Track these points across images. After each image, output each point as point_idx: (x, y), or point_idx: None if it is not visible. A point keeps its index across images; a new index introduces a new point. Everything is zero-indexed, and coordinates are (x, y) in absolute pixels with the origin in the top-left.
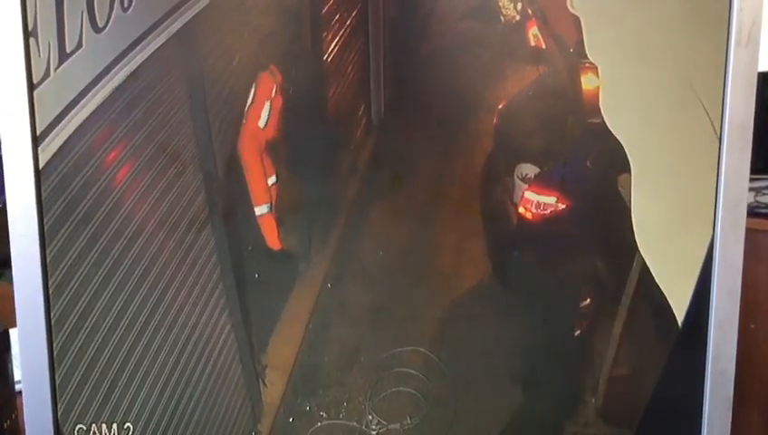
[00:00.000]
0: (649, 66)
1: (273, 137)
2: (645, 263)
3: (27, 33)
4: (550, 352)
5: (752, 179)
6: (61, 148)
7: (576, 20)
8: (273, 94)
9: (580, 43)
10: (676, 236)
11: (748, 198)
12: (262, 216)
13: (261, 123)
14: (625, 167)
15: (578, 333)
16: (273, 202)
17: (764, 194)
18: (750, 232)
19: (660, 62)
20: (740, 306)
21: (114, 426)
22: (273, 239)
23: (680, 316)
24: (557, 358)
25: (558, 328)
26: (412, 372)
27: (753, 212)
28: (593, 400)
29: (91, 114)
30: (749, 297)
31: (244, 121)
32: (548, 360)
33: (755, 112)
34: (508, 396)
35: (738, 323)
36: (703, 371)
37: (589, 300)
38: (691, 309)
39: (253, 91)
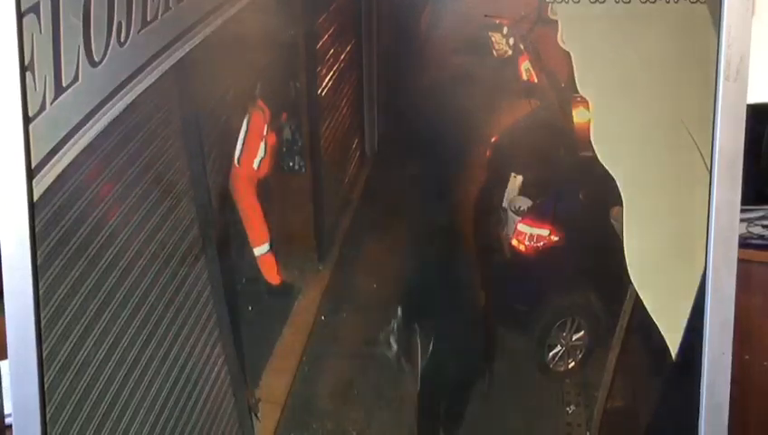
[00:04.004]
0: (640, 100)
1: (266, 174)
2: (638, 295)
3: (24, 67)
4: (543, 384)
5: (744, 210)
6: (55, 181)
7: (567, 55)
8: (265, 133)
9: (572, 77)
10: (669, 269)
11: (740, 228)
12: (262, 255)
13: (255, 165)
14: (617, 199)
15: (572, 365)
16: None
17: (756, 225)
18: (743, 263)
19: (651, 96)
20: (734, 338)
21: None
22: (272, 275)
23: (674, 349)
24: (552, 389)
25: (550, 360)
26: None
27: (745, 243)
28: (588, 433)
29: (86, 148)
30: (743, 328)
31: (237, 165)
32: (542, 391)
33: (746, 144)
34: (504, 424)
35: (733, 354)
36: (698, 404)
37: (582, 332)
38: (685, 342)
39: (244, 132)
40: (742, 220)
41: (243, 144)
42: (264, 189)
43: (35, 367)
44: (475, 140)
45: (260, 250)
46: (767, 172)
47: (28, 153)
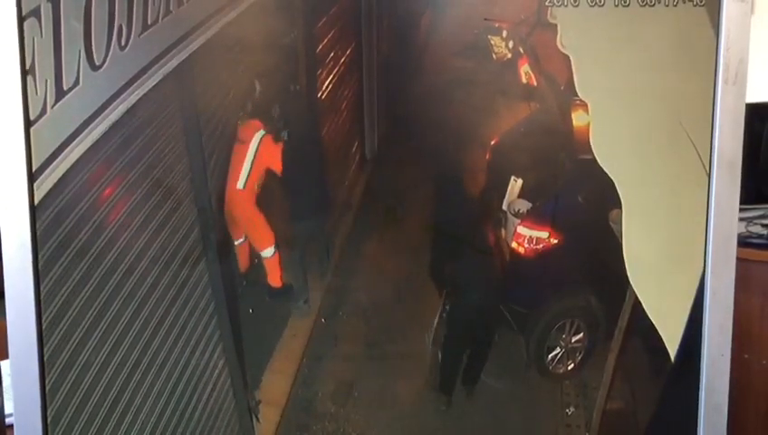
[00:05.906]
0: (639, 104)
1: (266, 182)
2: (637, 297)
3: (25, 71)
4: (543, 385)
5: (743, 209)
6: (56, 184)
7: (566, 58)
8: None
9: (571, 80)
10: (668, 271)
11: (739, 227)
12: (268, 258)
13: (258, 185)
14: (616, 202)
15: (571, 367)
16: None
17: (756, 223)
18: (742, 262)
19: (650, 99)
20: (733, 337)
21: None
22: (276, 278)
23: (673, 351)
24: (551, 391)
25: (550, 361)
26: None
27: (744, 242)
28: (587, 434)
29: (86, 151)
30: (742, 327)
31: (241, 189)
32: (542, 393)
33: (744, 143)
34: (504, 426)
35: (731, 355)
36: (697, 406)
37: (582, 334)
38: (683, 344)
39: (251, 161)
40: (741, 219)
41: (249, 172)
42: (265, 196)
43: (36, 368)
44: (475, 143)
45: (266, 253)
46: (766, 171)
47: (29, 157)
